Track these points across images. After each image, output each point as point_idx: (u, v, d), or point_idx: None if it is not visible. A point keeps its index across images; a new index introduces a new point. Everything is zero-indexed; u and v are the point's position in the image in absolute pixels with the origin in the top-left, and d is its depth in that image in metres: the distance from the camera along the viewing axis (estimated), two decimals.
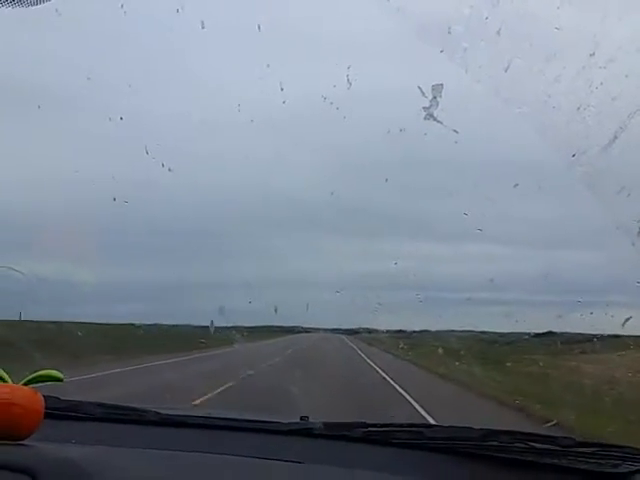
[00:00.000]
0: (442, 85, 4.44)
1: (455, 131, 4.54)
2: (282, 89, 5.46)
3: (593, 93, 4.01)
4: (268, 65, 5.71)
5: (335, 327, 39.62)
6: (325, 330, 43.44)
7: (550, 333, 17.24)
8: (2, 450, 0.99)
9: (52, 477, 0.88)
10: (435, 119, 4.50)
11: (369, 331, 36.72)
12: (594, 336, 11.21)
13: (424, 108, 4.53)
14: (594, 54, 3.94)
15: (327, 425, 1.59)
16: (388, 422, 1.67)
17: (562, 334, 16.70)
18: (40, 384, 1.14)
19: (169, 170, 6.13)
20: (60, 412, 1.55)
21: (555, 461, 1.37)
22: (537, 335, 17.57)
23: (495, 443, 1.43)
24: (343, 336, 46.08)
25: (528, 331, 15.61)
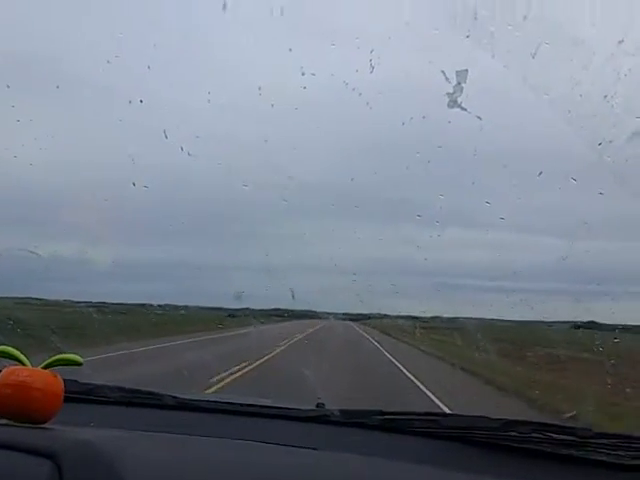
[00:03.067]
0: (467, 71, 4.41)
1: (479, 118, 4.51)
2: (303, 74, 5.44)
3: (621, 81, 3.97)
4: (290, 49, 5.68)
5: (348, 312, 39.35)
6: (337, 315, 43.11)
7: (572, 322, 17.15)
8: (23, 433, 1.01)
9: (73, 460, 0.90)
10: (459, 106, 4.47)
11: (382, 316, 36.62)
12: (615, 326, 11.11)
13: (448, 94, 4.50)
14: (623, 41, 3.90)
15: (343, 412, 1.61)
16: (405, 410, 1.68)
17: (585, 323, 16.61)
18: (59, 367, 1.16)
19: (188, 154, 6.15)
20: (79, 395, 1.58)
21: (573, 452, 1.37)
22: (557, 323, 17.48)
23: (513, 433, 1.43)
24: (354, 323, 45.43)
25: (548, 320, 15.53)
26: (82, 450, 0.94)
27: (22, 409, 1.06)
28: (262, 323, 30.00)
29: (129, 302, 26.15)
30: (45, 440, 0.96)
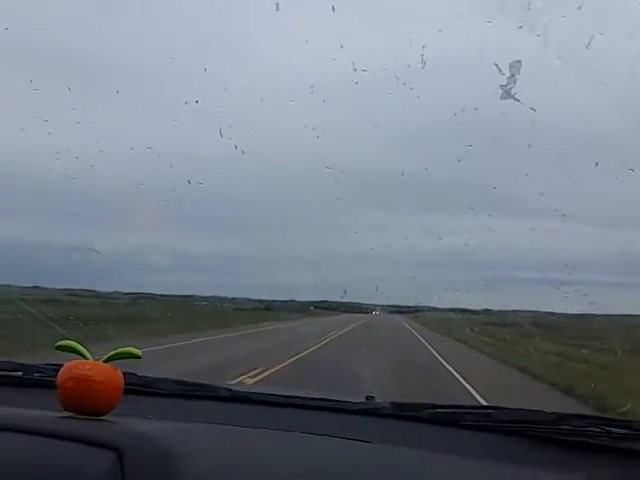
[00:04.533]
0: (520, 62, 4.45)
1: (533, 109, 4.54)
2: (355, 69, 5.56)
3: None
4: (341, 46, 5.80)
5: (395, 304, 38.45)
6: (384, 307, 41.67)
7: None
8: (85, 425, 1.04)
9: (135, 451, 0.92)
10: (513, 97, 4.51)
11: (431, 309, 36.09)
12: None
13: (501, 86, 4.54)
14: None
15: (394, 405, 1.61)
16: (456, 404, 1.68)
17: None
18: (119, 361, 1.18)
19: (242, 152, 6.34)
20: (138, 388, 1.61)
21: (628, 445, 1.35)
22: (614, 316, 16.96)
23: (568, 427, 1.42)
24: (401, 316, 43.85)
25: (603, 313, 15.13)
26: (143, 441, 0.98)
27: (84, 402, 1.09)
28: (297, 318, 29.07)
29: (175, 294, 26.56)
30: (107, 432, 1.00)
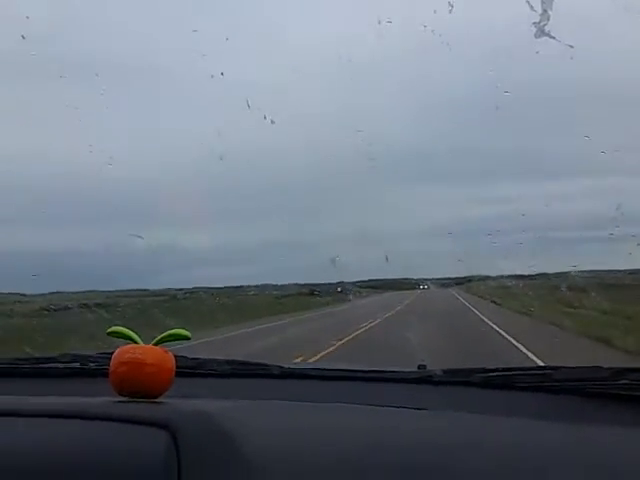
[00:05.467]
0: None
1: (570, 46, 4.28)
2: (379, 22, 5.36)
3: None
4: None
5: (447, 276, 37.74)
6: (434, 281, 40.23)
7: None
8: (140, 407, 1.06)
9: (190, 429, 0.92)
10: (547, 34, 4.27)
11: (484, 278, 35.35)
12: None
13: (534, 24, 4.31)
14: None
15: (446, 372, 1.61)
16: (509, 367, 1.64)
17: None
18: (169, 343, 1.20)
19: (271, 122, 6.24)
20: (189, 370, 1.63)
21: None
22: None
23: (626, 381, 1.39)
24: (454, 289, 41.52)
25: None
26: (197, 420, 0.97)
27: (137, 385, 1.11)
28: (338, 301, 27.77)
29: (222, 285, 26.95)
30: (160, 412, 1.01)
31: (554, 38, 4.09)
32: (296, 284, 30.46)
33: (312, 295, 30.72)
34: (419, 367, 1.70)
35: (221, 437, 0.96)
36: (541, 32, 4.08)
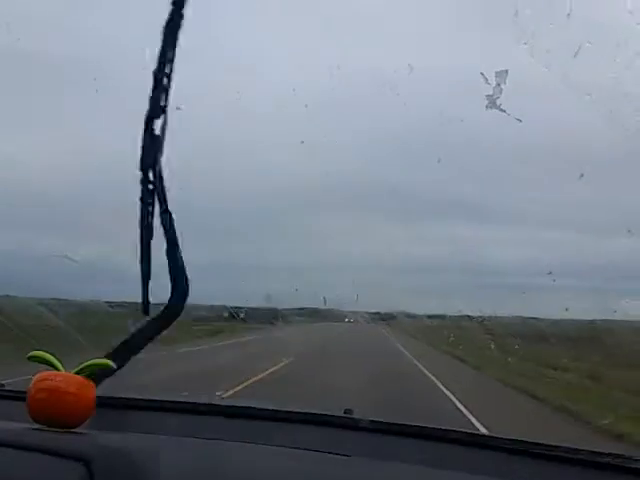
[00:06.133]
0: (507, 71, 4.39)
1: (519, 120, 4.49)
2: (338, 67, 5.48)
3: None
4: (325, 48, 5.74)
5: (373, 311, 37.60)
6: (361, 314, 39.32)
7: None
8: (56, 437, 1.03)
9: (105, 464, 0.91)
10: (498, 108, 4.46)
11: (410, 316, 35.77)
12: None
13: (487, 96, 4.49)
14: None
15: (373, 420, 1.62)
16: (443, 427, 1.65)
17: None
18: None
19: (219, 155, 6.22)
20: (110, 401, 1.60)
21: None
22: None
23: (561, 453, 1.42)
24: (379, 324, 40.48)
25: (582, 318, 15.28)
26: (114, 454, 0.96)
27: (55, 414, 1.07)
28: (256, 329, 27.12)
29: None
30: (77, 444, 0.99)
31: (504, 112, 4.28)
32: (225, 306, 29.97)
33: (233, 319, 29.83)
34: (345, 412, 1.71)
35: (135, 472, 0.95)
36: (493, 105, 4.27)
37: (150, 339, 1.17)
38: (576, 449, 1.43)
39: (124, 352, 1.16)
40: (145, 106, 1.16)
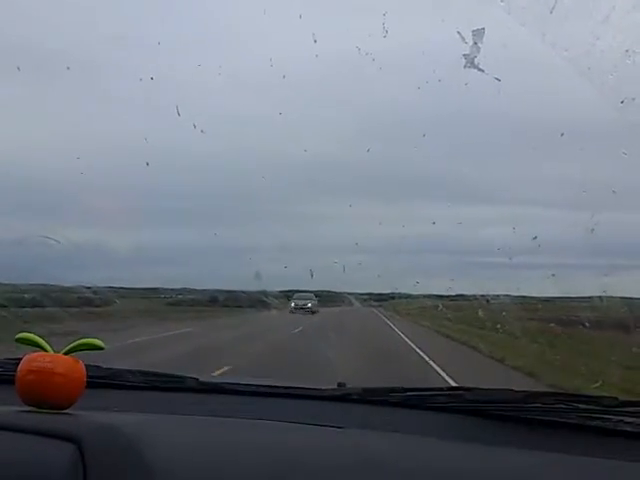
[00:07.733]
0: (483, 29, 4.39)
1: (497, 79, 4.50)
2: (315, 41, 5.46)
3: None
4: (300, 16, 5.70)
5: (368, 292, 37.19)
6: (357, 296, 38.45)
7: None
8: (46, 419, 1.03)
9: (96, 444, 0.92)
10: (476, 67, 4.46)
11: (406, 296, 35.83)
12: None
13: (464, 55, 4.49)
14: None
15: (365, 390, 1.64)
16: (426, 387, 1.70)
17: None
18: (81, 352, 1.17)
19: (201, 131, 6.20)
20: (101, 380, 1.60)
21: (598, 423, 1.37)
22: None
23: (537, 405, 1.44)
24: (375, 309, 39.23)
25: (572, 295, 15.35)
26: (104, 434, 0.97)
27: (44, 395, 1.08)
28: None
29: (138, 287, 26.10)
30: (67, 424, 0.99)
31: (482, 71, 4.28)
32: (217, 290, 29.97)
33: (214, 303, 29.15)
34: (339, 385, 1.72)
35: (128, 452, 0.95)
36: (471, 64, 4.26)
37: None
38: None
39: None
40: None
